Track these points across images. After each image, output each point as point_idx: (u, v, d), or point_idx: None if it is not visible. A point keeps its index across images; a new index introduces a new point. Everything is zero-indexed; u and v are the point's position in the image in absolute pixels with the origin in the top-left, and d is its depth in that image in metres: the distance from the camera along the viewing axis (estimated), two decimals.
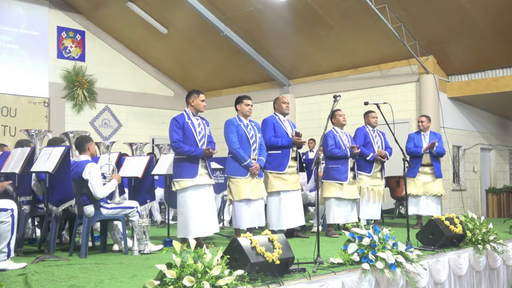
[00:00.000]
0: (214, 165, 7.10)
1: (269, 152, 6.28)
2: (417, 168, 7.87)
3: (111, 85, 13.23)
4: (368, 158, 7.31)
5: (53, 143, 5.86)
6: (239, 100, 6.12)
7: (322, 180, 6.97)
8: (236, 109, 6.13)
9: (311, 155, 10.54)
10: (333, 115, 7.06)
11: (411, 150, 7.90)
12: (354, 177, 7.05)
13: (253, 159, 5.95)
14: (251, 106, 6.10)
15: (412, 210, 7.90)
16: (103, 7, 12.40)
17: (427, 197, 7.85)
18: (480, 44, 10.01)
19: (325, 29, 10.75)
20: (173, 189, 5.56)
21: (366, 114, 7.69)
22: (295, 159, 6.48)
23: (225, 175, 6.34)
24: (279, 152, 6.35)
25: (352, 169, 7.01)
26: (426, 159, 7.90)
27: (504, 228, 7.18)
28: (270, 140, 6.33)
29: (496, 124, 12.88)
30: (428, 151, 7.83)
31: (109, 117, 13.26)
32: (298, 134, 6.36)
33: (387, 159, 7.54)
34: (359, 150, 7.05)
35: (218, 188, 7.57)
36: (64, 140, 6.23)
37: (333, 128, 7.09)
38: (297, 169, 6.48)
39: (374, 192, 7.37)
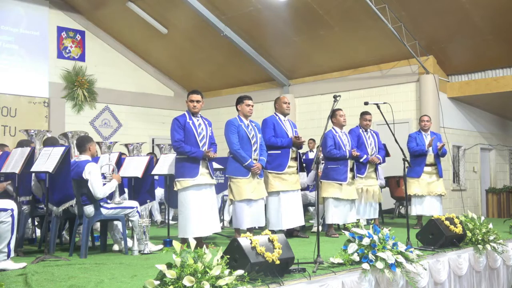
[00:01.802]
0: (214, 165, 7.08)
1: (269, 152, 6.28)
2: (422, 168, 7.84)
3: (111, 85, 13.22)
4: (361, 160, 7.27)
5: (48, 143, 5.85)
6: (240, 100, 6.12)
7: (321, 180, 6.96)
8: (237, 109, 6.13)
9: (311, 155, 10.54)
10: (333, 115, 7.01)
11: (415, 149, 7.86)
12: (353, 177, 7.04)
13: (254, 159, 5.95)
14: (252, 106, 6.10)
15: (416, 210, 7.88)
16: (103, 7, 12.40)
17: (431, 197, 7.84)
18: (480, 44, 10.01)
19: (325, 29, 10.75)
20: (175, 188, 5.57)
21: (361, 115, 7.63)
22: (295, 159, 6.47)
23: (226, 175, 6.33)
24: (279, 152, 6.35)
25: (352, 169, 7.01)
26: (430, 159, 7.88)
27: (504, 228, 7.18)
28: (270, 140, 6.33)
29: (496, 124, 12.88)
30: (434, 150, 7.81)
31: (109, 117, 13.26)
32: (298, 138, 6.36)
33: (382, 162, 7.53)
34: (358, 154, 7.03)
35: (218, 188, 7.55)
36: (58, 140, 6.21)
37: (333, 128, 7.07)
38: (297, 169, 6.48)
39: (369, 192, 7.36)
